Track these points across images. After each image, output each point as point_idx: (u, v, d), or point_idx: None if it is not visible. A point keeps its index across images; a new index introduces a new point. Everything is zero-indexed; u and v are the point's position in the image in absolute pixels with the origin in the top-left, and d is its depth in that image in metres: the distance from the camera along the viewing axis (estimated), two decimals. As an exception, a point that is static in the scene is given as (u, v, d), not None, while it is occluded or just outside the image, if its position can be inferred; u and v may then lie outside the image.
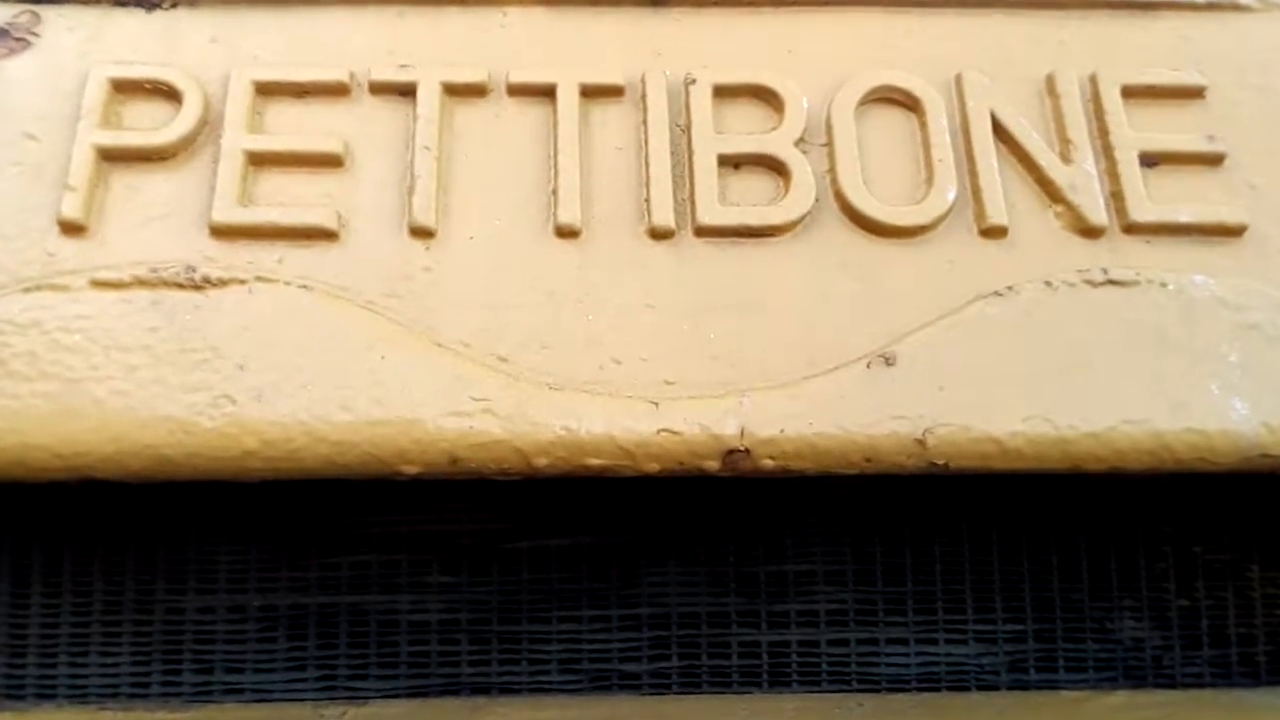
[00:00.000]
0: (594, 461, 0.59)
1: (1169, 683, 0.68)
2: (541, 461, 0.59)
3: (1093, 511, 0.70)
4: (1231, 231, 0.65)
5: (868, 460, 0.59)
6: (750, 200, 0.65)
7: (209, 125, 0.66)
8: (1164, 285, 0.63)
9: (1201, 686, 0.68)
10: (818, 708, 0.65)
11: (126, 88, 0.67)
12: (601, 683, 0.68)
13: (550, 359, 0.61)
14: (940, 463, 0.59)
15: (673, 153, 0.66)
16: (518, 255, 0.64)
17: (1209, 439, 0.60)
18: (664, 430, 0.59)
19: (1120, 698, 0.64)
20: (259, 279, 0.62)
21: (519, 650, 0.68)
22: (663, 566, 0.69)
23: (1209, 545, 0.70)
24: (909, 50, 0.70)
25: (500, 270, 0.63)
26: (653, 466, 0.59)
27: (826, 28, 0.71)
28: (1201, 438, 0.60)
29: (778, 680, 0.68)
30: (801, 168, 0.66)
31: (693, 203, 0.65)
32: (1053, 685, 0.67)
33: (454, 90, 0.68)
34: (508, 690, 0.67)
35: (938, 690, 0.67)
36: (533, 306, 0.62)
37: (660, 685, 0.68)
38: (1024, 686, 0.67)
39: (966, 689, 0.67)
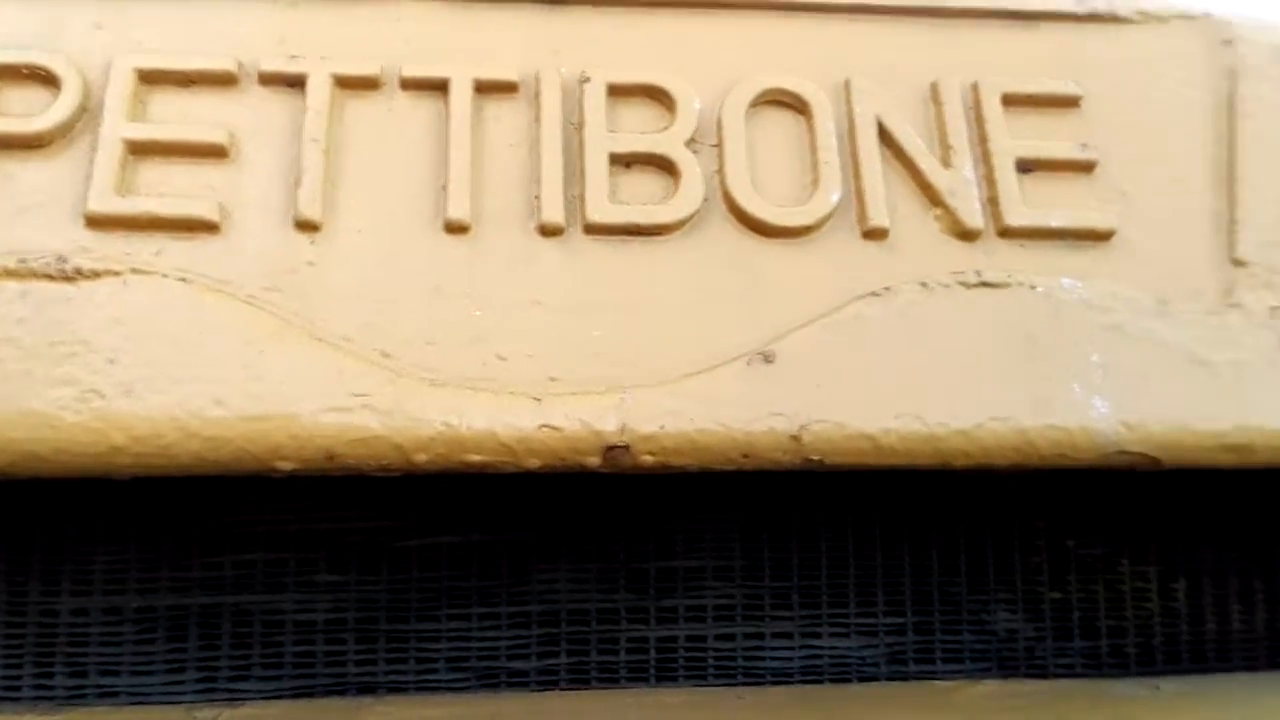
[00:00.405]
0: (475, 458, 0.59)
1: (1041, 673, 0.70)
2: (421, 458, 0.59)
3: (971, 507, 0.72)
4: (1100, 236, 0.68)
5: (745, 456, 0.60)
6: (640, 199, 0.66)
7: (88, 113, 0.64)
8: (1033, 288, 0.65)
9: (1074, 677, 0.70)
10: (702, 701, 0.66)
11: (2, 73, 0.65)
12: (489, 680, 0.68)
13: (434, 354, 0.61)
14: (815, 459, 0.60)
15: (565, 150, 0.66)
16: (405, 250, 0.63)
17: (1070, 435, 0.62)
18: (545, 426, 0.59)
19: (990, 686, 0.66)
20: (134, 271, 0.61)
21: (406, 649, 0.67)
22: (554, 563, 0.69)
23: (1081, 540, 0.73)
24: (800, 55, 0.71)
25: (387, 264, 0.63)
26: (534, 462, 0.59)
27: (721, 30, 0.71)
28: (1063, 434, 0.62)
29: (665, 675, 0.68)
30: (691, 168, 0.66)
31: (583, 200, 0.65)
32: (930, 676, 0.69)
33: (345, 83, 0.66)
34: (395, 689, 0.67)
35: (820, 683, 0.68)
36: (419, 302, 0.62)
37: (548, 682, 0.68)
38: (903, 677, 0.69)
39: (848, 681, 0.69)
